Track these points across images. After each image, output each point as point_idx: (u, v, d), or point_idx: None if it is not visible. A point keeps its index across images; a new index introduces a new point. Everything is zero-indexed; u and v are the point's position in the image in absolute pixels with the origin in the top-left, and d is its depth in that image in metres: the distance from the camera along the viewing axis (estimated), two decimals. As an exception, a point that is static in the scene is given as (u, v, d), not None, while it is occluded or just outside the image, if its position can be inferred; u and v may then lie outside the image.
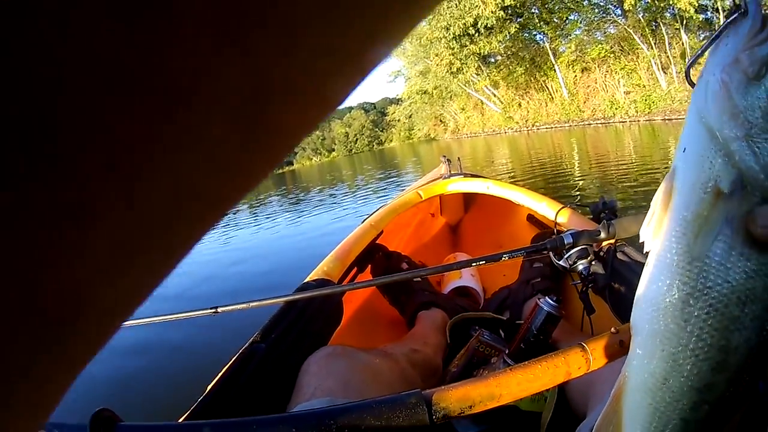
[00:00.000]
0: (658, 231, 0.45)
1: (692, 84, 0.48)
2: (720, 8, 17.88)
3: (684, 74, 0.62)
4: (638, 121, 20.62)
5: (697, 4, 18.47)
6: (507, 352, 1.36)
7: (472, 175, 2.89)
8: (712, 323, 0.40)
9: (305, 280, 1.68)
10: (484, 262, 1.39)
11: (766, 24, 0.43)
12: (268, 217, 14.09)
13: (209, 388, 1.14)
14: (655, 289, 0.44)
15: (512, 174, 11.11)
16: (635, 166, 9.03)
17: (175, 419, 0.98)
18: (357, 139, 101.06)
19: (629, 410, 0.47)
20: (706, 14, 19.81)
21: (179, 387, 3.17)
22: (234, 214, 18.80)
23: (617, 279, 1.50)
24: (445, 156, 3.27)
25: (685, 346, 0.42)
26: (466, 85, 33.18)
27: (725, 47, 0.44)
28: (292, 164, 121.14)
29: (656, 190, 0.45)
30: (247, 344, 1.32)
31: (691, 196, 0.42)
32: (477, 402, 0.83)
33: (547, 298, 1.32)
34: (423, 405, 0.81)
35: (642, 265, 1.54)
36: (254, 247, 9.18)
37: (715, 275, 0.40)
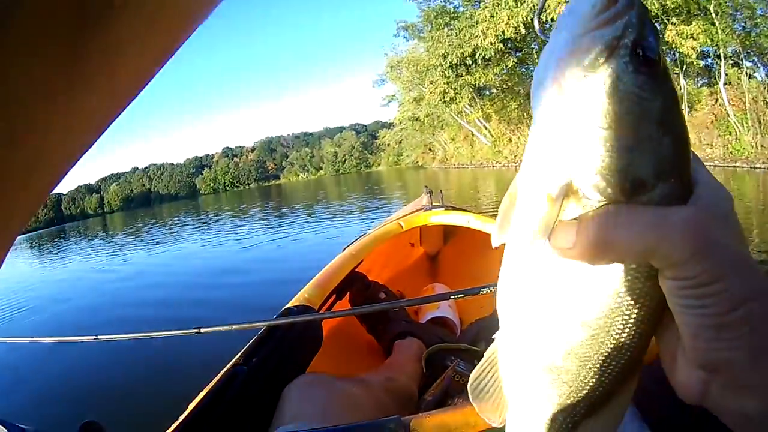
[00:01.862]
0: (503, 233, 0.43)
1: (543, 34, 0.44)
2: (722, 55, 18.01)
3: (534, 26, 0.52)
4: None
5: (699, 50, 18.48)
6: (481, 382, 1.38)
7: (454, 208, 2.93)
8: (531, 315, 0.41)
9: (287, 306, 1.71)
10: (462, 295, 1.41)
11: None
12: (252, 235, 14.07)
13: (192, 406, 1.17)
14: (503, 278, 0.44)
15: (497, 208, 11.10)
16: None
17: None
18: (345, 160, 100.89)
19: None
20: (707, 60, 19.74)
21: (161, 404, 3.15)
22: (218, 225, 18.88)
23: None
24: (427, 187, 3.33)
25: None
26: (459, 115, 33.25)
27: (560, 35, 0.38)
28: (279, 178, 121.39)
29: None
30: (229, 366, 1.35)
31: (525, 201, 0.40)
32: (453, 429, 0.88)
33: (521, 330, 1.35)
34: (402, 431, 0.85)
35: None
36: (239, 265, 9.18)
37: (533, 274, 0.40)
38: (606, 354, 0.39)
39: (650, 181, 0.35)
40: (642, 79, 0.35)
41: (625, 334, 0.38)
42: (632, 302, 0.37)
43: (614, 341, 0.39)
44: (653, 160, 0.35)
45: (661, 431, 1.04)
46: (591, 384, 0.41)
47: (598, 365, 0.40)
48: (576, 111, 0.36)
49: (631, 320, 0.38)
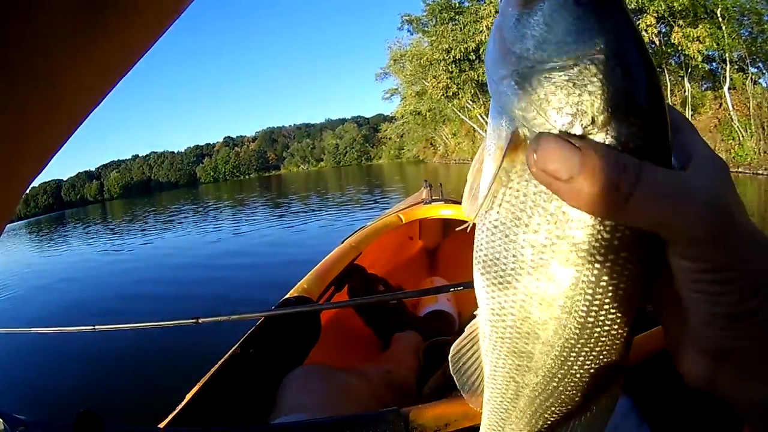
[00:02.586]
0: (473, 202, 0.39)
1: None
2: (728, 59, 17.96)
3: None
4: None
5: (705, 53, 18.41)
6: (480, 374, 1.38)
7: (453, 202, 2.94)
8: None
9: (285, 297, 1.71)
10: (462, 287, 1.39)
11: None
12: (251, 224, 14.10)
13: (190, 395, 1.17)
14: (475, 248, 0.39)
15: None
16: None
17: (155, 424, 1.00)
18: (347, 152, 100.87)
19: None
20: (712, 65, 19.70)
21: (160, 393, 3.18)
22: (217, 214, 18.91)
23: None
24: (426, 180, 3.34)
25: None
26: (461, 110, 33.19)
27: None
28: (280, 169, 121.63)
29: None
30: (227, 356, 1.35)
31: (488, 160, 0.37)
32: (452, 421, 0.88)
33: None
34: (401, 422, 0.85)
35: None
36: (238, 254, 9.20)
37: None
38: (572, 341, 0.35)
39: (599, 117, 0.31)
40: (586, 7, 0.32)
41: (591, 319, 0.34)
42: (594, 280, 0.33)
43: (579, 326, 0.34)
44: (601, 92, 0.31)
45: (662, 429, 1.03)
46: (559, 376, 0.37)
47: (564, 354, 0.36)
48: (511, 47, 0.33)
49: (596, 302, 0.33)
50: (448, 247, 3.35)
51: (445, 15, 29.72)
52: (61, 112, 0.22)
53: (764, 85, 17.65)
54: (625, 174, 0.29)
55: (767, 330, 0.31)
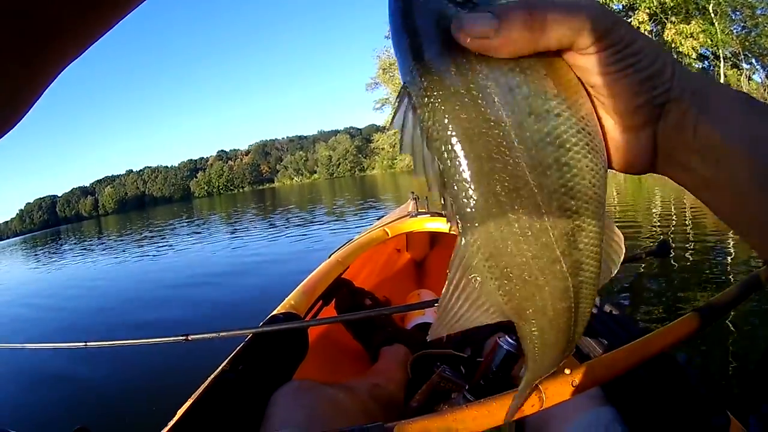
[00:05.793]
0: None
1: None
2: (721, 56, 18.03)
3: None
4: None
5: (699, 50, 18.46)
6: (467, 387, 1.41)
7: (439, 214, 2.95)
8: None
9: (273, 313, 1.74)
10: None
11: None
12: (243, 238, 14.10)
13: (181, 412, 1.20)
14: None
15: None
16: (618, 213, 8.97)
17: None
18: (340, 164, 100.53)
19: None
20: (706, 63, 19.75)
21: (151, 409, 3.23)
22: (210, 229, 18.84)
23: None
24: (413, 193, 3.36)
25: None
26: (451, 118, 33.10)
27: None
28: (273, 182, 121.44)
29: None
30: (216, 372, 1.38)
31: None
32: None
33: (507, 336, 1.34)
34: (385, 437, 0.87)
35: (599, 309, 1.60)
36: (230, 269, 9.18)
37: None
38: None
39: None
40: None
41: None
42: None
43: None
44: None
45: None
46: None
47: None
48: None
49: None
50: (435, 258, 3.38)
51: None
52: None
53: (759, 80, 17.61)
54: (536, 8, 0.34)
55: (684, 84, 0.37)
